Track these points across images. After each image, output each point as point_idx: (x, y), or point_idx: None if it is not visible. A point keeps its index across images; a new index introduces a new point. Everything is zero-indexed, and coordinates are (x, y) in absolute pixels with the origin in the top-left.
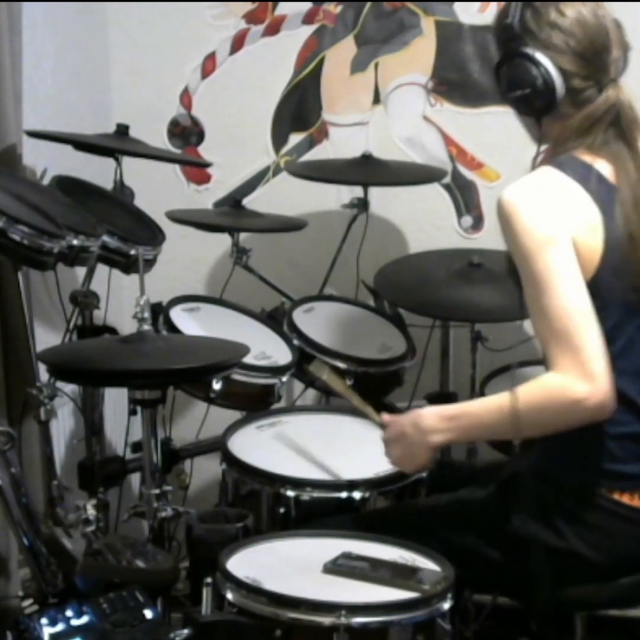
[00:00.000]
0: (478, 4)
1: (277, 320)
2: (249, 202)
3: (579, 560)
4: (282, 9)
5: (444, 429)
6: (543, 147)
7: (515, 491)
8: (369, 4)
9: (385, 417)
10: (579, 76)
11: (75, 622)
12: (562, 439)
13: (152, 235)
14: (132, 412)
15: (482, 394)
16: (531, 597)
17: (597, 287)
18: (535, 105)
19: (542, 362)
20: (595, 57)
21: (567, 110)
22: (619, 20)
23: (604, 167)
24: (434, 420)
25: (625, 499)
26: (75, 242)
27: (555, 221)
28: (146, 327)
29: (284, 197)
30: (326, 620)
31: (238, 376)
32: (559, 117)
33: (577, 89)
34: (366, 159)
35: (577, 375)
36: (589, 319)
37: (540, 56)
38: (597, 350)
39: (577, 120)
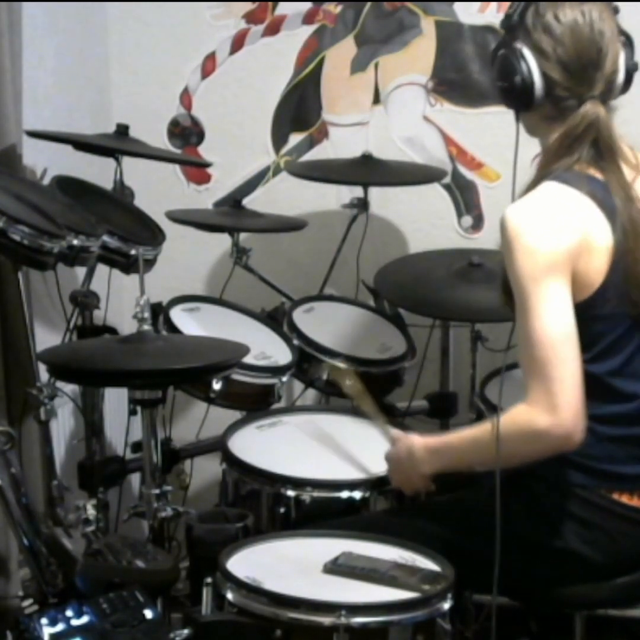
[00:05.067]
0: (478, 4)
1: (277, 320)
2: (248, 202)
3: (578, 559)
4: (282, 9)
5: (431, 461)
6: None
7: (515, 492)
8: (369, 4)
9: (395, 433)
10: (562, 86)
11: (75, 622)
12: None
13: (152, 235)
14: (132, 412)
15: (482, 394)
16: (531, 597)
17: (604, 298)
18: (513, 99)
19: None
20: (580, 71)
21: (550, 112)
22: (631, 36)
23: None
24: (422, 452)
25: (625, 498)
26: (75, 242)
27: (557, 247)
28: (146, 327)
29: (284, 197)
30: (326, 620)
31: (238, 376)
32: (543, 117)
33: (559, 97)
34: (366, 159)
35: (543, 407)
36: (569, 352)
37: (527, 54)
38: (570, 383)
39: (557, 140)
